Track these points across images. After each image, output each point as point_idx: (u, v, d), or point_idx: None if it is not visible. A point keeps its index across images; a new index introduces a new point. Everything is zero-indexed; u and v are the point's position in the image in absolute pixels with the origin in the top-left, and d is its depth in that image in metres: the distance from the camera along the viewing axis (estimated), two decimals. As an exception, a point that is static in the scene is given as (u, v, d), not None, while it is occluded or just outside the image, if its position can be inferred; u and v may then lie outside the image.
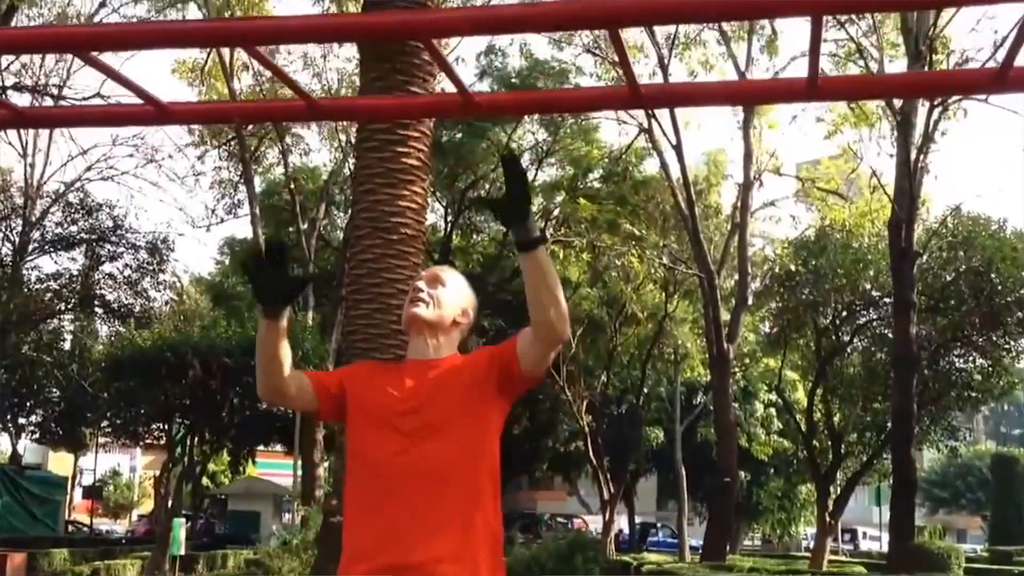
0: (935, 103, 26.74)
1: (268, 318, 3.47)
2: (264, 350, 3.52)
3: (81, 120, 4.36)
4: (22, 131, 35.07)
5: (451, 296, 3.68)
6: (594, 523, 44.81)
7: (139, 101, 3.81)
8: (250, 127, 35.52)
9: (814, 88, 3.59)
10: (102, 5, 31.30)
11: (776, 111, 35.44)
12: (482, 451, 3.49)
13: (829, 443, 30.65)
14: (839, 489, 31.21)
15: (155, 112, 3.83)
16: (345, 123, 30.82)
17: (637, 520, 46.80)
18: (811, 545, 38.16)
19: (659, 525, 50.57)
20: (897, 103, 26.66)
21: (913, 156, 26.23)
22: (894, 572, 23.99)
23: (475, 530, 3.37)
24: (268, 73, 34.98)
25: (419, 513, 3.33)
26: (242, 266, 3.56)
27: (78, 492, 53.34)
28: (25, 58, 31.89)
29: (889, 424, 27.86)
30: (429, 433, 3.41)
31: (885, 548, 33.05)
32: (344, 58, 34.18)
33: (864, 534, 54.56)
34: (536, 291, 3.40)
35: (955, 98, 26.97)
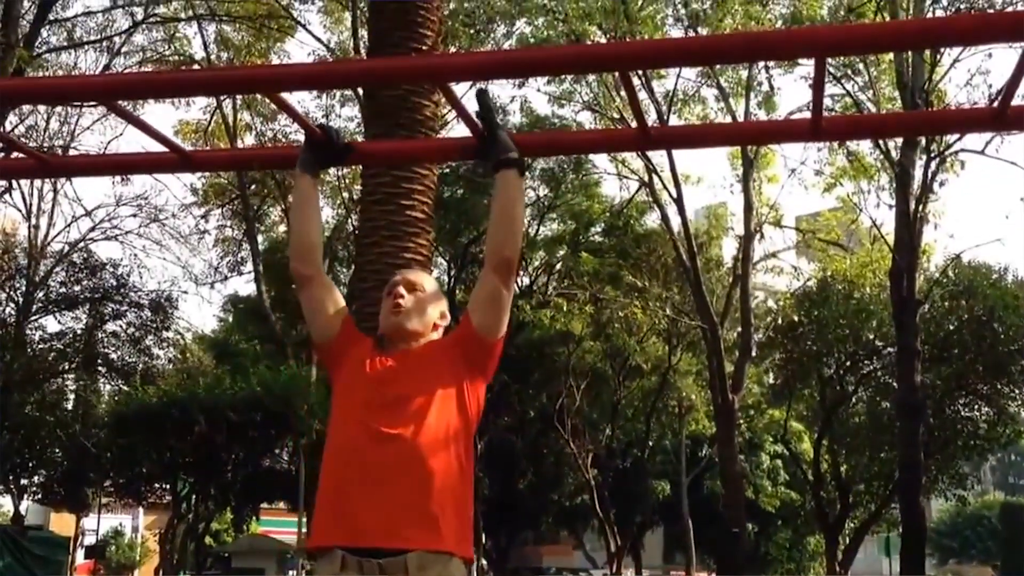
0: (932, 155, 26.95)
1: (311, 174, 3.75)
2: (301, 198, 3.77)
3: (106, 168, 4.45)
4: (26, 193, 35.28)
5: (431, 301, 3.82)
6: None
7: (159, 150, 3.91)
8: (253, 186, 35.80)
9: (817, 128, 3.67)
10: (107, 68, 31.55)
11: (775, 165, 35.67)
12: (454, 428, 3.56)
13: (836, 493, 30.58)
14: (848, 539, 31.08)
15: (178, 160, 3.93)
16: (348, 181, 31.05)
17: (644, 574, 46.53)
18: (820, 597, 37.92)
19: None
20: (895, 156, 26.87)
21: (912, 207, 26.37)
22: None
23: (445, 500, 3.46)
24: (270, 133, 35.60)
25: (389, 482, 3.42)
26: (306, 141, 3.79)
27: (80, 553, 53.00)
28: (29, 121, 32.23)
29: (896, 473, 27.80)
30: (404, 408, 3.51)
31: (895, 600, 32.80)
32: (346, 117, 34.46)
33: (874, 586, 54.17)
34: (497, 208, 3.58)
35: (953, 149, 27.21)
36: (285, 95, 3.75)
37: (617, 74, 3.53)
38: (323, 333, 3.76)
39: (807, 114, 3.52)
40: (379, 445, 3.45)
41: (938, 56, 25.59)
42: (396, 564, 3.36)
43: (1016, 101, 3.58)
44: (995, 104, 3.63)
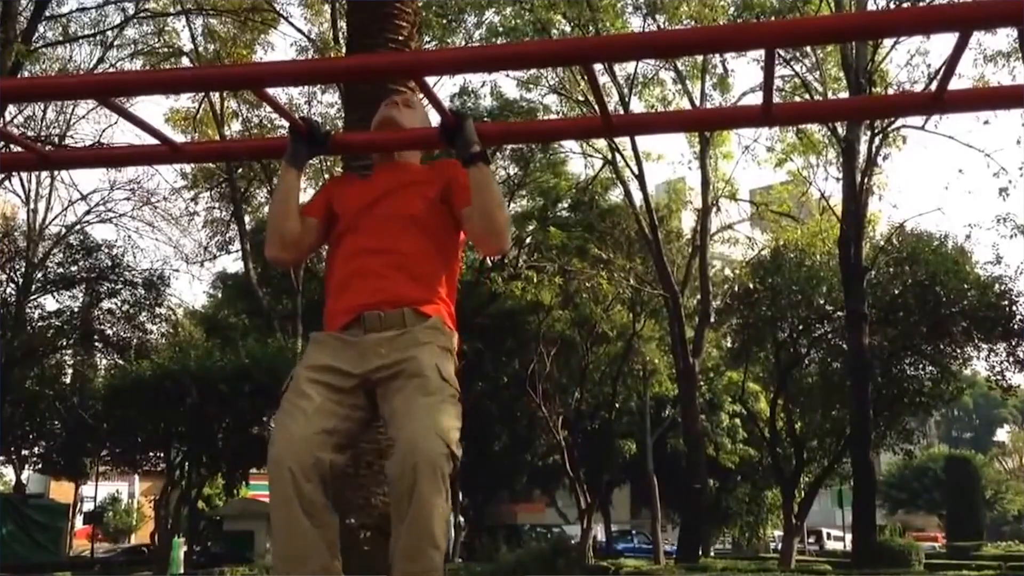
0: (876, 131, 27.15)
1: (295, 167, 3.71)
2: (287, 190, 3.73)
3: (101, 161, 4.47)
4: (25, 180, 35.08)
5: (422, 120, 3.89)
6: (571, 532, 44.72)
7: (149, 142, 3.92)
8: (240, 170, 35.67)
9: (768, 114, 3.72)
10: (100, 61, 31.35)
11: (730, 143, 35.81)
12: (442, 234, 3.62)
13: (792, 450, 30.80)
14: (803, 493, 31.31)
15: (169, 151, 3.94)
16: (330, 163, 30.96)
17: (613, 528, 46.89)
18: (779, 547, 38.29)
19: (634, 532, 50.55)
20: (841, 132, 27.04)
21: (858, 179, 26.61)
22: (859, 569, 24.14)
23: (436, 290, 3.55)
24: (256, 120, 35.46)
25: (388, 265, 3.49)
26: (290, 132, 3.76)
27: (79, 519, 52.90)
28: (28, 111, 32.02)
29: (848, 430, 28.07)
30: (396, 210, 3.57)
31: (849, 547, 33.17)
32: (326, 104, 34.34)
33: (828, 535, 54.66)
34: (475, 205, 3.54)
35: (895, 125, 27.42)
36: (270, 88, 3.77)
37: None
38: (321, 239, 3.76)
39: (759, 95, 3.57)
40: (372, 256, 3.51)
41: (880, 40, 25.73)
42: (395, 316, 3.43)
43: (952, 85, 3.64)
44: (933, 88, 3.69)
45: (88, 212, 36.62)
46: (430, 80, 3.54)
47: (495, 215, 3.53)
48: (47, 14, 27.51)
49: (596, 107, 3.77)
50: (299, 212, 3.70)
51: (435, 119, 3.71)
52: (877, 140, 27.61)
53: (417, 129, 3.81)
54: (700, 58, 31.42)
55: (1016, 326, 27.01)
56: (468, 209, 3.56)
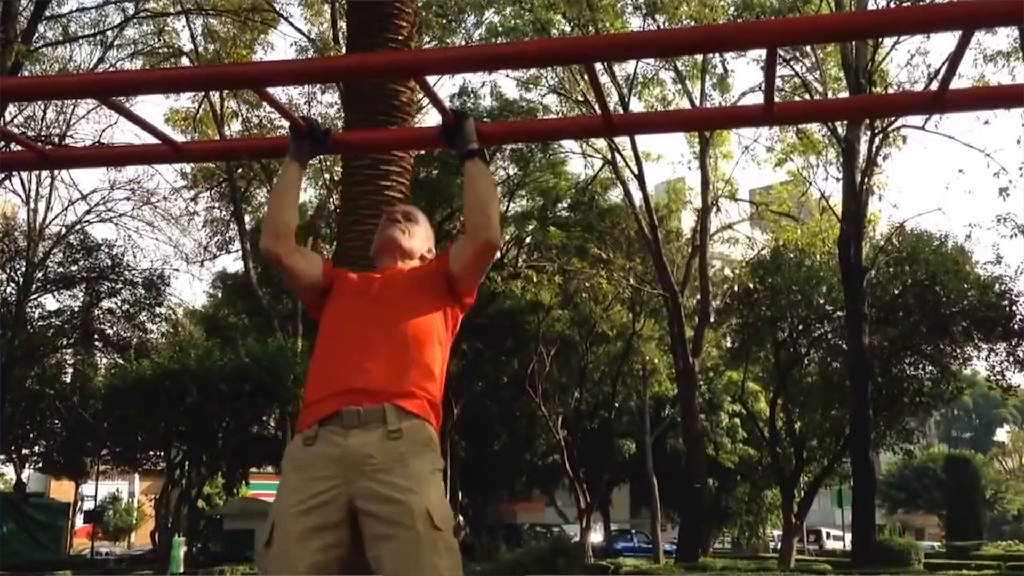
0: (876, 131, 27.14)
1: (300, 163, 3.79)
2: (287, 183, 3.78)
3: (101, 160, 4.46)
4: (25, 179, 35.07)
5: (423, 234, 3.87)
6: (570, 531, 44.72)
7: (150, 141, 3.91)
8: (240, 169, 35.65)
9: (769, 113, 3.71)
10: (100, 61, 31.34)
11: (730, 143, 35.78)
12: (432, 325, 3.56)
13: (792, 449, 30.79)
14: (803, 492, 31.29)
15: (170, 150, 3.93)
16: (330, 162, 30.95)
17: (612, 527, 46.87)
18: (778, 546, 38.24)
19: (633, 531, 50.51)
20: (841, 132, 27.02)
21: (858, 179, 26.60)
22: (858, 568, 24.12)
23: (423, 380, 3.44)
24: (256, 120, 35.43)
25: (373, 349, 3.42)
26: (291, 131, 3.81)
27: (80, 518, 52.88)
28: (28, 111, 31.99)
29: (847, 430, 28.03)
30: (387, 310, 3.52)
31: (849, 547, 33.14)
32: (326, 103, 34.29)
33: (828, 534, 54.62)
34: (469, 195, 3.60)
35: (895, 125, 27.40)
36: (270, 88, 3.77)
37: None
38: (308, 281, 3.72)
39: (759, 95, 3.56)
40: (363, 334, 3.46)
41: (880, 40, 25.72)
42: (375, 412, 3.32)
43: (953, 85, 3.63)
44: (933, 87, 3.68)
45: (88, 212, 36.63)
46: (430, 80, 3.53)
47: (486, 207, 3.57)
48: (47, 14, 27.52)
49: (596, 107, 3.76)
50: (298, 206, 3.76)
51: (435, 118, 3.70)
52: (877, 140, 27.60)
53: (418, 128, 3.81)
54: (700, 58, 31.39)
55: (1016, 326, 27.00)
56: (456, 246, 3.60)
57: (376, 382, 3.36)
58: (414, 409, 3.37)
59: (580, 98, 31.72)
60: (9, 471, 44.72)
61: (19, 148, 4.41)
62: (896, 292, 28.34)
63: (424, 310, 3.54)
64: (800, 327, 29.89)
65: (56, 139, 31.13)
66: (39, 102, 30.13)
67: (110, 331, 35.83)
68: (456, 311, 3.66)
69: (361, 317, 3.51)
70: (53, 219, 37.28)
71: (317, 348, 3.60)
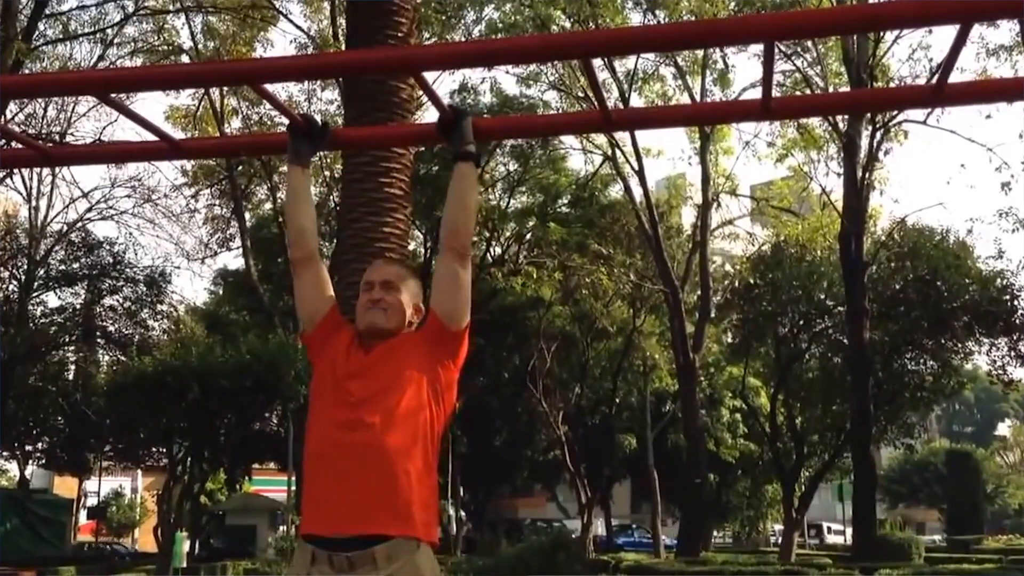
0: (877, 125, 27.09)
1: (302, 166, 3.78)
2: (294, 190, 3.81)
3: (102, 158, 4.43)
4: (27, 177, 35.06)
5: (406, 299, 3.73)
6: (571, 526, 44.76)
7: (150, 139, 3.90)
8: (240, 167, 35.62)
9: (767, 108, 3.70)
10: (100, 58, 31.30)
11: (730, 138, 35.75)
12: (423, 419, 3.50)
13: (792, 444, 30.76)
14: (803, 487, 31.27)
15: (170, 147, 3.91)
16: (330, 159, 30.92)
17: (613, 522, 46.90)
18: (779, 541, 38.25)
19: (634, 526, 50.54)
20: (842, 127, 26.98)
21: (859, 174, 26.57)
22: (859, 562, 24.11)
23: (411, 491, 3.40)
24: (256, 117, 35.39)
25: (358, 475, 3.39)
26: (289, 130, 3.81)
27: (83, 514, 52.95)
28: (29, 109, 31.94)
29: (848, 424, 28.02)
30: (373, 404, 3.46)
31: (849, 541, 33.14)
32: (326, 100, 34.24)
33: (829, 529, 54.68)
34: (455, 194, 3.60)
35: (896, 120, 27.35)
36: (268, 84, 3.75)
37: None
38: (310, 319, 3.73)
39: (759, 90, 3.54)
40: (349, 441, 3.42)
41: (881, 34, 25.67)
42: (364, 557, 3.31)
43: (954, 78, 3.61)
44: (934, 81, 3.67)
45: (89, 209, 36.56)
46: (429, 76, 3.52)
47: (467, 209, 3.61)
48: (47, 12, 27.50)
49: (595, 102, 3.74)
50: (312, 208, 3.81)
51: (435, 115, 3.68)
52: (878, 135, 27.57)
53: (417, 125, 3.80)
54: (700, 53, 31.35)
55: (1017, 320, 26.99)
56: (433, 288, 3.61)
57: (364, 506, 3.36)
58: (407, 532, 3.37)
59: (580, 94, 31.70)
60: (12, 467, 44.68)
61: (20, 146, 4.40)
62: (897, 287, 28.32)
63: (414, 391, 3.50)
64: (801, 322, 29.88)
65: (57, 137, 31.09)
66: (40, 100, 30.10)
67: (112, 328, 35.80)
68: (451, 372, 3.62)
69: (346, 419, 3.46)
70: (55, 217, 37.25)
71: (306, 442, 3.61)
